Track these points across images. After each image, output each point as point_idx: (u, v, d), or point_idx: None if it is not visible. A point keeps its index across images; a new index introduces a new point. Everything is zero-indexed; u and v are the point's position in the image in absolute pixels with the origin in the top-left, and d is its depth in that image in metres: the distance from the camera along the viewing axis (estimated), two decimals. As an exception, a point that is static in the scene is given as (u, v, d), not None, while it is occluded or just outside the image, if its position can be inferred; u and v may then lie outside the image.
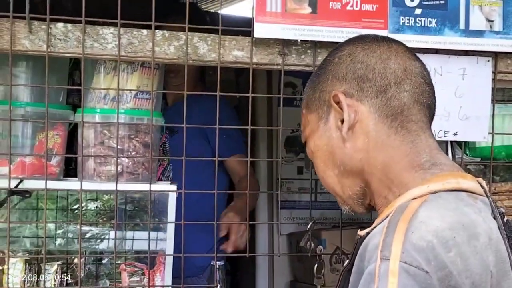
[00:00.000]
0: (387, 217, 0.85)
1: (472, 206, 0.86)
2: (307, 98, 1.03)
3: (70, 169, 2.08)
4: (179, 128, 2.05)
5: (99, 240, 1.69)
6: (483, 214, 0.86)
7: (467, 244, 0.79)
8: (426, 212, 0.81)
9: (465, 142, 1.48)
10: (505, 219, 0.90)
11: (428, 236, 0.77)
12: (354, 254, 0.89)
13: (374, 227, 0.88)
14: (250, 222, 1.60)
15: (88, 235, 1.68)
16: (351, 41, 1.01)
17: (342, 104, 0.95)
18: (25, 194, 1.35)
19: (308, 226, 1.43)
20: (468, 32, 1.39)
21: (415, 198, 0.85)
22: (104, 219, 1.72)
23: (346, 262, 0.94)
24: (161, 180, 2.13)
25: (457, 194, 0.86)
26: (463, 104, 1.42)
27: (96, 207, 1.77)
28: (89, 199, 1.73)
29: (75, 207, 1.70)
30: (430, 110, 0.97)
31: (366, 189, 0.97)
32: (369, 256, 0.81)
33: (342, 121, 0.95)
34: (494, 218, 0.88)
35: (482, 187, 0.92)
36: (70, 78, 1.73)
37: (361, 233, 0.91)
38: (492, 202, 0.90)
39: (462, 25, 1.38)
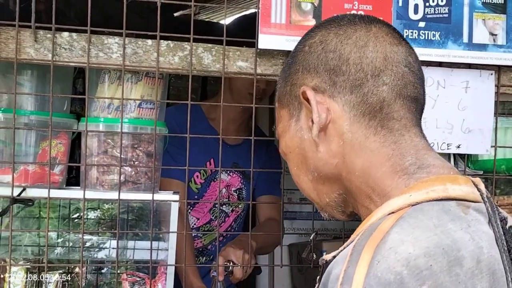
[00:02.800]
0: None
1: (459, 220, 0.71)
2: (279, 91, 0.91)
3: (70, 178, 2.08)
4: (249, 173, 1.97)
5: (97, 249, 1.69)
6: (472, 228, 0.71)
7: (447, 272, 0.65)
8: (398, 235, 0.68)
9: (468, 154, 1.48)
10: (509, 225, 0.77)
11: (397, 266, 0.64)
12: (319, 280, 0.77)
13: (342, 250, 0.75)
14: (253, 233, 1.59)
15: (87, 244, 1.68)
16: (323, 25, 0.87)
17: (311, 102, 0.82)
18: (28, 202, 1.34)
19: (311, 238, 1.43)
20: (472, 46, 1.39)
21: (393, 213, 0.72)
22: (104, 228, 1.71)
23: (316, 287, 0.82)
24: (232, 227, 2.10)
25: (443, 204, 0.73)
26: (466, 117, 1.42)
27: (96, 216, 1.76)
28: (89, 208, 1.72)
29: (75, 216, 1.70)
30: (417, 104, 0.83)
31: (345, 196, 0.85)
32: (330, 287, 0.69)
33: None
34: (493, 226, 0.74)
35: (479, 189, 0.78)
36: (72, 87, 1.73)
37: (327, 257, 0.78)
38: (490, 208, 0.76)
39: (465, 39, 1.39)
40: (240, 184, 2.08)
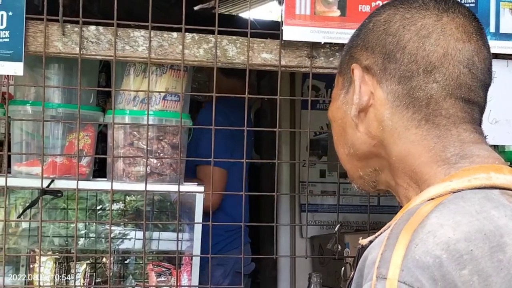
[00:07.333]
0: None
1: (504, 208, 0.69)
2: (341, 57, 0.89)
3: (94, 171, 2.11)
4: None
5: (121, 241, 1.71)
6: None
7: (489, 258, 0.64)
8: (438, 219, 0.66)
9: (495, 146, 1.47)
10: None
11: (436, 250, 0.63)
12: (355, 266, 0.76)
13: (379, 235, 0.74)
14: (277, 224, 1.60)
15: (112, 235, 1.71)
16: (394, 2, 0.82)
17: (356, 82, 0.81)
18: (57, 193, 1.37)
19: (336, 229, 1.43)
20: (499, 35, 1.38)
21: (432, 199, 0.70)
22: (126, 220, 1.74)
23: (351, 274, 0.80)
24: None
25: (487, 192, 0.70)
26: (492, 108, 1.39)
27: (119, 208, 1.79)
28: (113, 201, 1.75)
29: (98, 207, 1.73)
30: (472, 105, 0.78)
31: (380, 173, 0.83)
32: (367, 272, 0.68)
33: None
34: None
35: None
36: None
37: (363, 241, 0.78)
38: None
39: (492, 28, 1.37)
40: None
